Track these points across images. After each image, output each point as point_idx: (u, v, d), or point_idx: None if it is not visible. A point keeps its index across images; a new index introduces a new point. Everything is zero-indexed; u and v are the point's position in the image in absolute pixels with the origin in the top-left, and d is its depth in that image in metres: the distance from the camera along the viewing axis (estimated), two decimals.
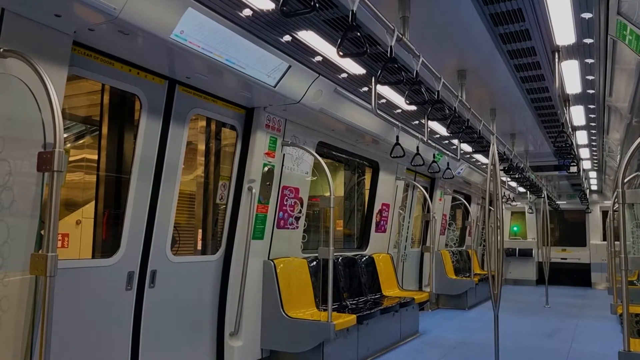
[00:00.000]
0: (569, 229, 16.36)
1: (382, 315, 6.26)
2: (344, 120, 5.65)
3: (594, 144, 9.01)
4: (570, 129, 6.74)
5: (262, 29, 3.79)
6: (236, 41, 3.76)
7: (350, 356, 5.65)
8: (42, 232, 2.91)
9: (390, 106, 5.98)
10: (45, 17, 2.95)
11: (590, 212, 15.58)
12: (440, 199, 10.50)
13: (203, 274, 4.84)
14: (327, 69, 4.71)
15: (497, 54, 4.76)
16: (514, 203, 14.98)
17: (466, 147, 8.14)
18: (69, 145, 5.27)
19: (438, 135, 7.56)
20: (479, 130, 6.16)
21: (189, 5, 3.25)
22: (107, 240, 4.32)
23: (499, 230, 5.67)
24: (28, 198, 3.02)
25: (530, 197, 14.00)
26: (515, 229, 16.44)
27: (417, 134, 6.56)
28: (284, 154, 5.43)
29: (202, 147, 5.46)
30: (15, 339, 2.98)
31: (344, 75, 4.94)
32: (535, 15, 3.95)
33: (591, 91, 5.91)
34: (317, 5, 2.77)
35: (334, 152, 6.91)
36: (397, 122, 6.22)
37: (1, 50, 2.78)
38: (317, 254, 5.46)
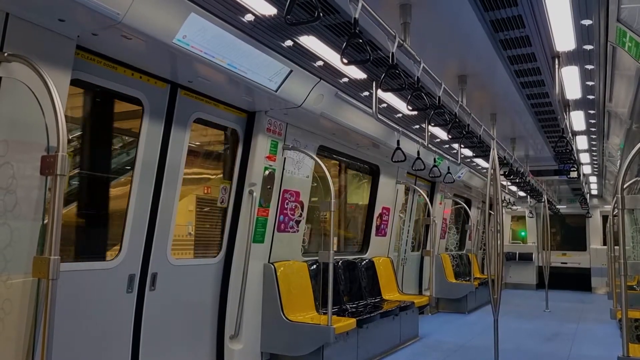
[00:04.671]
0: (569, 233, 16.36)
1: (382, 319, 6.27)
2: (345, 124, 5.67)
3: (594, 149, 9.03)
4: (570, 134, 6.76)
5: (264, 33, 3.81)
6: (238, 46, 3.79)
7: None
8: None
9: (391, 110, 6.00)
10: (49, 22, 2.97)
11: (591, 217, 15.58)
12: (440, 203, 10.51)
13: (204, 277, 4.86)
14: (328, 73, 4.73)
15: (498, 60, 4.78)
16: (514, 207, 15.00)
17: (467, 152, 8.17)
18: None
19: (439, 140, 7.58)
20: (480, 135, 6.18)
21: (192, 10, 3.28)
22: None
23: (499, 234, 5.68)
24: (31, 201, 3.04)
25: (530, 202, 14.01)
26: (523, 234, 16.37)
27: (418, 139, 6.58)
28: (284, 158, 5.45)
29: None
30: (17, 340, 2.99)
31: (345, 79, 4.96)
32: (536, 21, 3.98)
33: (591, 97, 5.93)
34: (321, 15, 2.79)
35: (334, 155, 6.94)
36: (398, 127, 6.24)
37: (5, 54, 2.80)
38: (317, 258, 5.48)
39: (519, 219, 16.43)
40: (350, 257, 7.19)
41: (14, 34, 2.85)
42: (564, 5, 3.70)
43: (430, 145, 5.96)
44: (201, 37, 3.49)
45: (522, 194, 12.96)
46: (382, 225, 7.95)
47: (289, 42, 4.02)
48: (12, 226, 2.95)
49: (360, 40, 3.14)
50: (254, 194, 5.07)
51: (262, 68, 4.17)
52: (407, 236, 9.48)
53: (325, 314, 5.07)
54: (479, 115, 6.03)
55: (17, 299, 2.98)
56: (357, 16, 3.05)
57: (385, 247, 8.16)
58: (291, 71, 4.42)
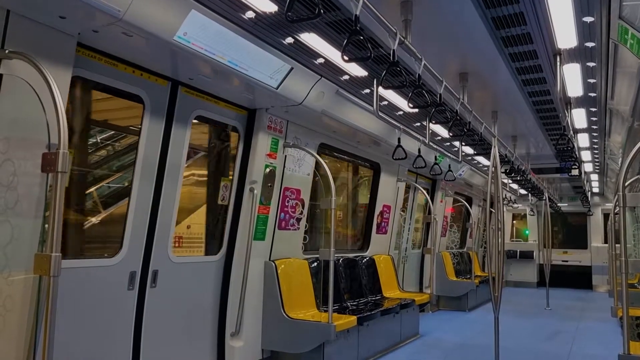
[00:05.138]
0: (570, 231, 16.36)
1: (383, 317, 6.27)
2: (346, 122, 5.67)
3: (595, 146, 9.01)
4: (571, 132, 6.75)
5: (264, 31, 3.81)
6: (239, 43, 3.79)
7: (350, 357, 5.66)
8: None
9: (391, 108, 6.00)
10: (50, 19, 2.97)
11: (592, 215, 15.57)
12: (441, 201, 10.51)
13: (204, 275, 4.86)
14: (329, 71, 4.73)
15: (499, 57, 4.77)
16: (515, 205, 14.99)
17: (468, 150, 8.16)
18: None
19: (439, 138, 7.57)
20: (481, 133, 6.17)
21: (193, 7, 3.28)
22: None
23: (500, 232, 5.68)
24: (32, 198, 3.04)
25: (531, 200, 14.00)
26: (527, 232, 16.36)
27: (419, 136, 6.57)
28: (285, 155, 5.45)
29: None
30: (18, 337, 3.00)
31: (346, 77, 4.95)
32: (537, 18, 3.97)
33: (593, 94, 5.91)
34: (321, 12, 2.78)
35: (335, 153, 6.94)
36: (399, 124, 6.23)
37: (6, 51, 2.81)
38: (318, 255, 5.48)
39: (523, 217, 16.41)
40: (351, 255, 7.19)
41: (15, 31, 2.85)
42: (566, 3, 3.69)
43: (431, 143, 5.95)
44: (202, 34, 3.49)
45: (523, 191, 12.95)
46: (383, 223, 7.95)
47: (289, 39, 4.02)
48: (13, 223, 2.95)
49: (361, 38, 3.14)
50: (255, 191, 5.07)
51: (262, 65, 4.16)
52: (408, 234, 9.49)
53: (326, 311, 5.08)
54: (480, 113, 6.02)
55: (18, 296, 2.99)
56: (358, 13, 3.05)
57: (386, 245, 8.17)
58: (292, 68, 4.42)
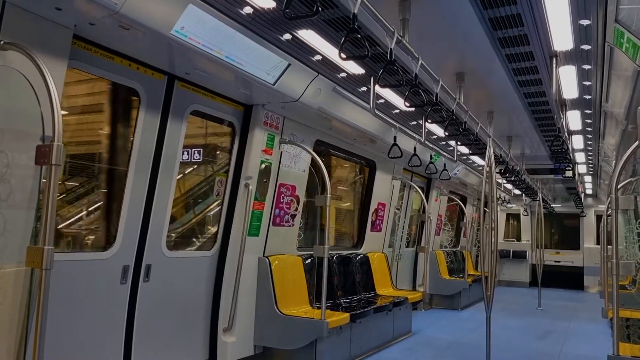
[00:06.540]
0: (563, 232, 16.45)
1: (376, 314, 6.29)
2: (342, 119, 5.67)
3: (589, 148, 9.06)
4: (566, 134, 6.78)
5: (262, 27, 3.80)
6: (236, 38, 3.78)
7: (342, 354, 5.68)
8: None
9: (388, 106, 6.00)
10: (46, 11, 2.96)
11: (585, 216, 15.66)
12: (436, 200, 10.54)
13: (198, 270, 4.86)
14: (327, 68, 4.73)
15: (496, 58, 4.78)
16: (509, 205, 15.05)
17: (463, 149, 8.19)
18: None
19: (435, 137, 7.58)
20: (476, 133, 6.19)
21: (190, 1, 3.26)
22: None
23: (493, 231, 5.71)
24: (25, 191, 3.03)
25: (525, 200, 14.06)
26: None
27: (415, 135, 6.58)
28: (281, 152, 5.45)
29: None
30: (9, 330, 2.99)
31: (343, 74, 4.95)
32: (534, 20, 3.98)
33: (588, 96, 5.94)
34: (320, 9, 2.78)
35: (331, 150, 6.94)
36: (395, 123, 6.24)
37: (1, 42, 2.79)
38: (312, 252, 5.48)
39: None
40: (345, 252, 7.21)
41: (11, 22, 2.84)
42: (563, 5, 3.71)
43: (426, 142, 5.97)
44: (199, 28, 3.48)
45: (517, 192, 13.01)
46: (378, 221, 7.97)
47: (287, 36, 4.01)
48: (5, 215, 2.94)
49: (359, 36, 3.14)
50: (250, 187, 5.07)
51: (260, 61, 4.16)
52: (402, 232, 9.51)
53: (319, 308, 5.09)
54: (476, 113, 6.03)
55: (9, 289, 2.98)
56: (356, 11, 3.05)
57: (380, 243, 8.19)
58: (289, 65, 4.41)
